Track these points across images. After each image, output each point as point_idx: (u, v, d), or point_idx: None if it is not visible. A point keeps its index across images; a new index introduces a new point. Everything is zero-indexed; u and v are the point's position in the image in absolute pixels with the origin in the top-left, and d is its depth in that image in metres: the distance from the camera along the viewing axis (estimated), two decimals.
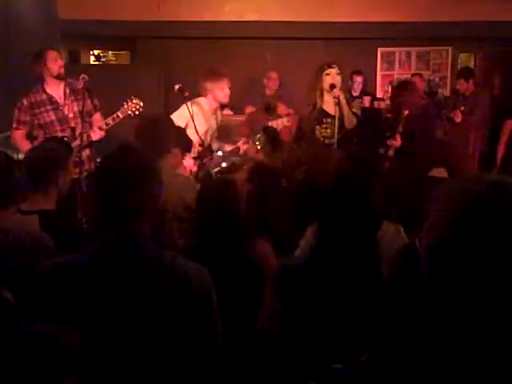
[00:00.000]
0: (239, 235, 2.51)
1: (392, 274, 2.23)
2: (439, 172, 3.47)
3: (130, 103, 4.42)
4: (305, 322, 1.92)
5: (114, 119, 4.41)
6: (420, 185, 3.23)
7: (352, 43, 7.98)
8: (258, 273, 2.37)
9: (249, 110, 6.38)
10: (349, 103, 4.78)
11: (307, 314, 1.92)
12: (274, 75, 7.20)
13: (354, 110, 4.83)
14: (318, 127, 4.80)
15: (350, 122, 4.68)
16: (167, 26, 7.83)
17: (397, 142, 5.24)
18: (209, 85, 4.69)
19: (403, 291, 2.01)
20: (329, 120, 4.77)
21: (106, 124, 4.42)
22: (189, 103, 4.34)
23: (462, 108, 6.53)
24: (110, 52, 9.63)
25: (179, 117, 4.38)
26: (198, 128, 4.29)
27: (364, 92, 7.58)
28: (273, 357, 1.95)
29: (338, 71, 4.74)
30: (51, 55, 4.49)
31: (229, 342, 1.81)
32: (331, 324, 1.88)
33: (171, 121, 3.89)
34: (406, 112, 5.14)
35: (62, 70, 4.50)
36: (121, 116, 4.40)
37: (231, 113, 6.62)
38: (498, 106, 6.61)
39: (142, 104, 4.42)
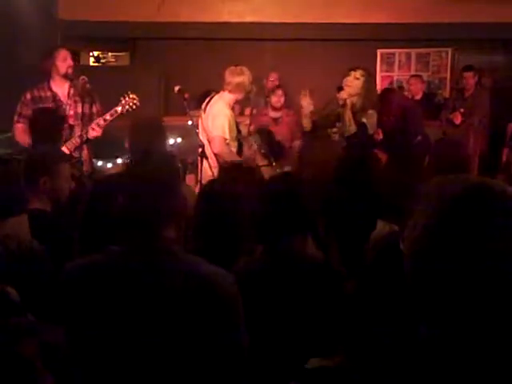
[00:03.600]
0: (239, 238, 2.50)
1: (372, 260, 2.26)
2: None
3: (126, 99, 4.47)
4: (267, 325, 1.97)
5: (112, 115, 4.43)
6: (414, 185, 3.24)
7: (351, 44, 7.98)
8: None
9: (248, 112, 6.38)
10: (360, 110, 4.71)
11: (266, 316, 1.98)
12: (274, 76, 7.21)
13: (364, 120, 4.73)
14: (329, 130, 4.81)
15: (348, 129, 4.66)
16: (167, 27, 7.84)
17: (378, 136, 5.24)
18: (245, 78, 4.64)
19: (383, 276, 2.05)
20: (340, 125, 4.77)
21: (104, 120, 4.43)
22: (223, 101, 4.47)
23: (462, 110, 6.53)
24: (109, 53, 9.61)
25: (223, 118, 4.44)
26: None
27: None
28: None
29: (359, 75, 4.65)
30: (62, 54, 4.54)
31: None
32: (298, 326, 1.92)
33: (164, 125, 3.89)
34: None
35: (71, 70, 4.53)
36: (118, 111, 4.43)
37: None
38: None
39: (137, 99, 4.47)
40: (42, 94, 4.52)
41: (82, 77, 4.44)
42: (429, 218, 0.97)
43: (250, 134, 4.87)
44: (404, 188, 3.17)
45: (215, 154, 4.37)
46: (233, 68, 4.66)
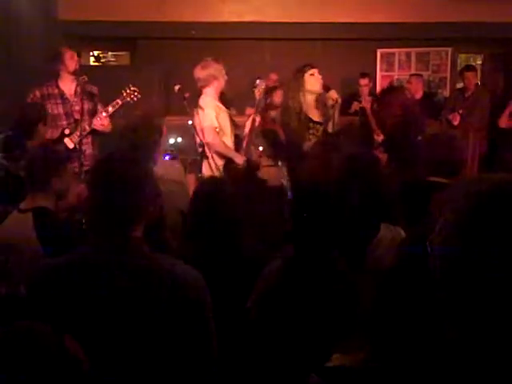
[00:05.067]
0: (233, 236, 2.50)
1: (398, 262, 2.25)
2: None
3: (128, 91, 4.74)
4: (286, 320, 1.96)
5: (113, 106, 4.70)
6: (418, 188, 3.22)
7: (352, 44, 7.98)
8: (251, 273, 2.36)
9: (249, 112, 6.36)
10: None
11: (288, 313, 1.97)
12: (274, 76, 7.20)
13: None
14: (306, 134, 4.74)
15: (335, 127, 4.62)
16: (167, 26, 7.85)
17: (379, 137, 5.22)
18: (218, 71, 4.56)
19: (408, 284, 2.04)
20: (310, 125, 4.71)
21: (106, 111, 4.69)
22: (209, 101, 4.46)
23: (461, 111, 6.52)
24: (109, 53, 9.62)
25: (211, 119, 4.42)
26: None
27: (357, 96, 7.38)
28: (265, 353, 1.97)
29: (318, 72, 4.69)
30: (69, 53, 4.82)
31: (223, 343, 1.78)
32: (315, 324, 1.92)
33: (160, 126, 3.89)
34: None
35: (78, 67, 4.82)
36: (120, 103, 4.70)
37: (235, 112, 6.58)
38: (500, 106, 6.61)
39: (138, 91, 4.75)
40: (50, 91, 4.76)
41: (83, 76, 4.61)
42: (460, 216, 0.94)
43: (256, 135, 4.83)
44: (406, 189, 3.16)
45: (207, 144, 4.36)
46: (200, 64, 4.61)
